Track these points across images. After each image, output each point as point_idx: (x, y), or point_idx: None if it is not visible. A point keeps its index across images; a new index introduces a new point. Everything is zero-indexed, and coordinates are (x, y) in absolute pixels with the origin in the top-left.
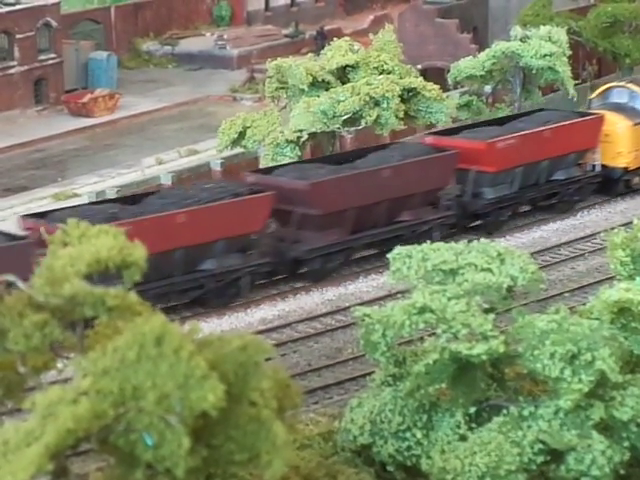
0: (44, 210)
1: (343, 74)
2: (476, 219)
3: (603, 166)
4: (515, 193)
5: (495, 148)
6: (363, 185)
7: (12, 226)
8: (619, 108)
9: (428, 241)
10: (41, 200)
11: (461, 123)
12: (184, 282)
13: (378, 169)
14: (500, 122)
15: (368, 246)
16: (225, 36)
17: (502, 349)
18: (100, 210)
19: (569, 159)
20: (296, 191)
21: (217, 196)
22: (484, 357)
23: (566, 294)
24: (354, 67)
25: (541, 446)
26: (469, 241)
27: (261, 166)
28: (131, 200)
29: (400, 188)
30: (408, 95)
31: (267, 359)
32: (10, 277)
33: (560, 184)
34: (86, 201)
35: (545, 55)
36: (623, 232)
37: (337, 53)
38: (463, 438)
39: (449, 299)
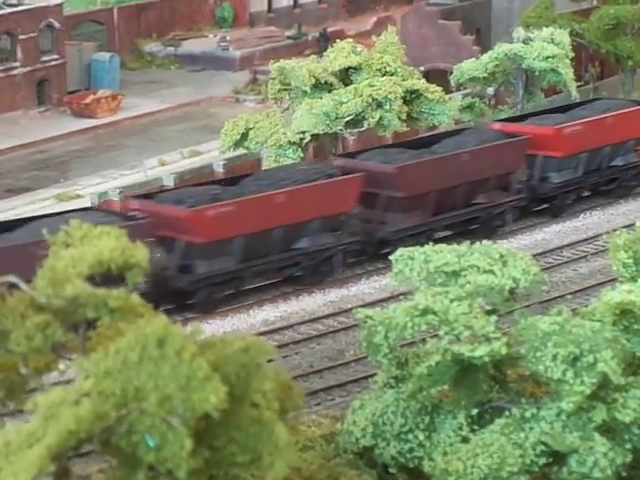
0: (150, 192)
1: (346, 76)
2: (543, 203)
3: None
4: (579, 178)
5: (562, 134)
6: (444, 169)
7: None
8: None
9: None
10: (43, 201)
11: (522, 111)
12: (281, 260)
13: (458, 153)
14: (562, 110)
15: (447, 227)
16: (228, 37)
17: (504, 351)
18: (203, 191)
19: (628, 146)
20: (383, 174)
21: (312, 177)
22: (486, 359)
23: (568, 296)
24: (357, 69)
25: (543, 448)
26: (471, 243)
27: (263, 167)
28: (230, 182)
29: (477, 172)
30: (411, 97)
31: (269, 361)
32: (12, 278)
33: (619, 170)
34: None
35: (548, 57)
36: (625, 234)
37: (340, 55)
38: (465, 440)
39: (451, 301)
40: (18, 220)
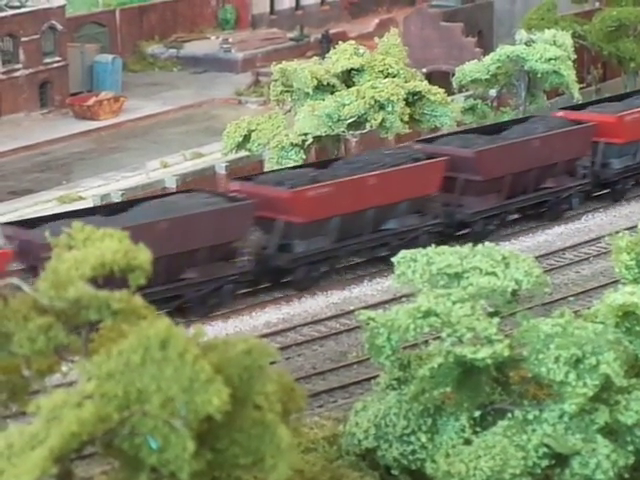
0: (250, 175)
1: (348, 78)
2: (605, 188)
3: None
4: (637, 164)
5: (623, 121)
6: (518, 154)
7: None
8: None
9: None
10: (46, 203)
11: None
12: (372, 240)
13: (530, 139)
14: (618, 99)
15: (518, 210)
16: (230, 39)
17: (507, 353)
18: (302, 173)
19: None
20: (462, 158)
21: (400, 161)
22: (489, 361)
23: (571, 298)
24: (359, 71)
25: (546, 450)
26: (474, 245)
27: (266, 169)
28: (321, 165)
29: (547, 157)
30: (413, 99)
31: (272, 363)
32: (15, 280)
33: None
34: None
35: (550, 59)
36: (628, 236)
37: (342, 56)
38: (468, 442)
39: (454, 303)
40: (125, 202)
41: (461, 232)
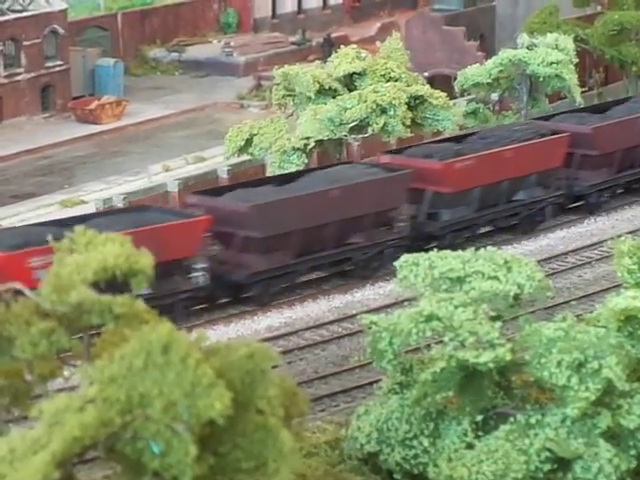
0: (400, 148)
1: (350, 81)
2: None
3: None
4: None
5: None
6: (627, 130)
7: None
8: None
9: None
10: (48, 207)
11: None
12: (506, 210)
13: (637, 117)
14: None
15: (625, 184)
16: (232, 43)
17: (509, 357)
18: (446, 147)
19: None
20: (580, 135)
21: (528, 136)
22: (491, 365)
23: (573, 302)
24: (361, 74)
25: (548, 454)
26: (476, 249)
27: (268, 174)
28: (456, 140)
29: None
30: (415, 102)
31: (274, 367)
32: (17, 285)
33: None
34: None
35: (552, 63)
36: (630, 240)
37: (344, 60)
38: (470, 446)
39: (456, 307)
40: (293, 173)
41: (577, 204)
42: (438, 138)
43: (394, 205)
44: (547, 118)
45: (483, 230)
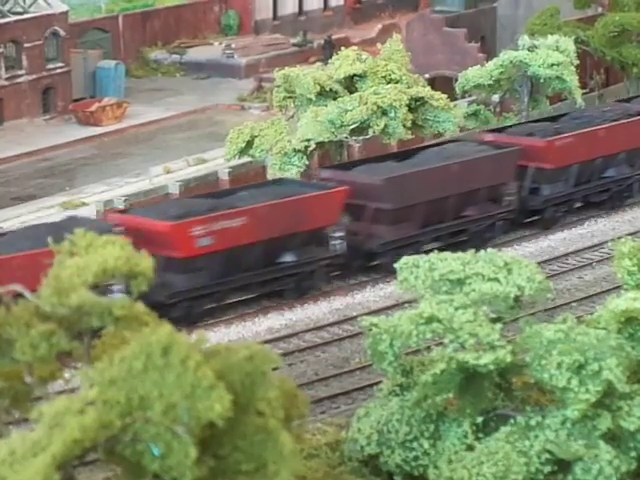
0: (498, 127)
1: (351, 83)
2: None
3: None
4: None
5: None
6: None
7: None
8: None
9: None
10: (49, 209)
11: None
12: (596, 187)
13: None
14: None
15: None
16: (233, 45)
17: (509, 359)
18: (546, 126)
19: None
20: None
21: (617, 117)
22: (491, 367)
23: (573, 304)
24: (362, 76)
25: (548, 456)
26: (476, 251)
27: (269, 176)
28: (551, 119)
29: None
30: (416, 104)
31: (274, 369)
32: (17, 287)
33: None
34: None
35: (553, 64)
36: (630, 241)
37: (345, 62)
38: (470, 448)
39: (456, 309)
40: (408, 150)
41: None
42: (533, 118)
43: (504, 180)
44: (628, 100)
45: (577, 205)
